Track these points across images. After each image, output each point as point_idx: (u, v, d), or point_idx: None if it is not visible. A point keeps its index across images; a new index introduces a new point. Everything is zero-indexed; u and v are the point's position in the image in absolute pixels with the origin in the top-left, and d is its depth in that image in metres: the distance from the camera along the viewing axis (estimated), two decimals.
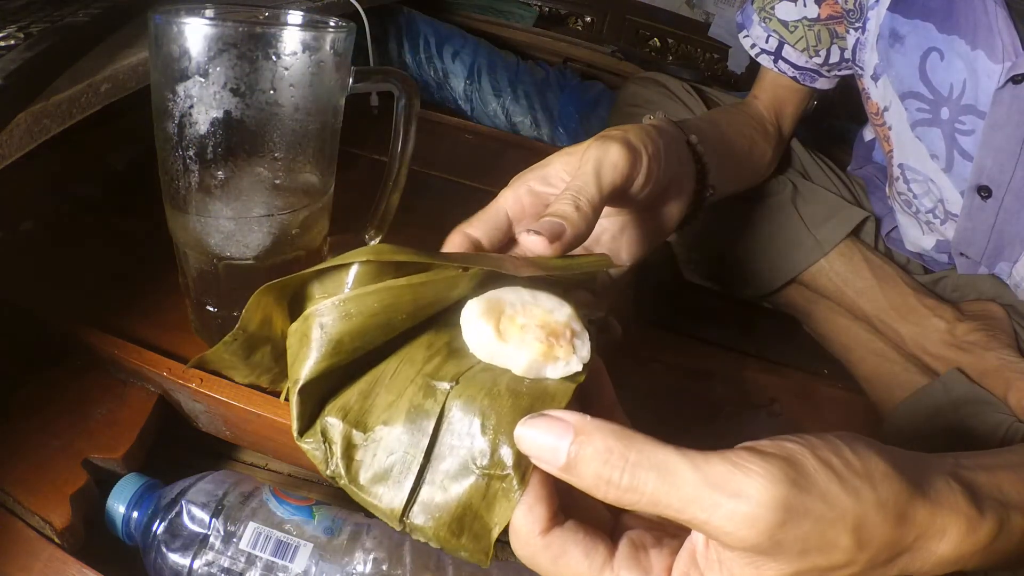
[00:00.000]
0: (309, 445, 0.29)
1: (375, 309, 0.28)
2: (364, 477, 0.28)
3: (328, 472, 0.28)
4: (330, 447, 0.28)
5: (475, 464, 0.27)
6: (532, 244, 0.32)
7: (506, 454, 0.26)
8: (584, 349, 0.28)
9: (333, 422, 0.28)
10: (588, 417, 0.25)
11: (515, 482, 0.26)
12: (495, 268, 0.30)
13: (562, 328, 0.28)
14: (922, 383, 0.69)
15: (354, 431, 0.28)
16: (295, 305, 0.30)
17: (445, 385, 0.28)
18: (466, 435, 0.27)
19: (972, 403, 0.63)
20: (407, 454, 0.27)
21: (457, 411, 0.27)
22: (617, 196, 0.38)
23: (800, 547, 0.24)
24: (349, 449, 0.28)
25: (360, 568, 0.42)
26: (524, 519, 0.26)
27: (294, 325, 0.29)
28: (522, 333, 0.28)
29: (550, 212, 0.33)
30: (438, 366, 0.29)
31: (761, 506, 0.23)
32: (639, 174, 0.38)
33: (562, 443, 0.24)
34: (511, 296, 0.29)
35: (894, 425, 0.68)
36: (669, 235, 0.46)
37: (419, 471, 0.27)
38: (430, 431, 0.27)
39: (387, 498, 0.27)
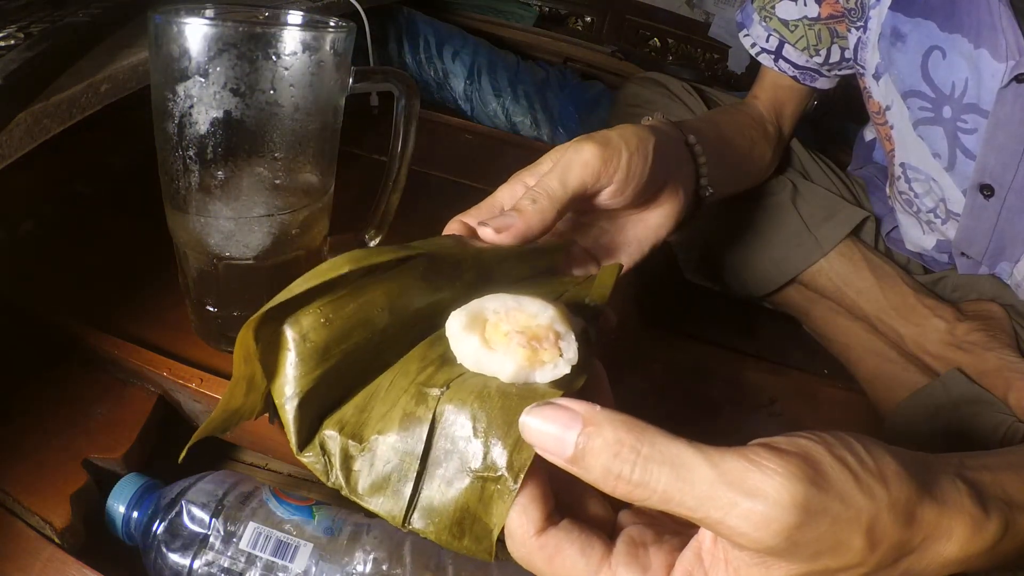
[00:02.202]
0: (309, 459, 0.29)
1: (351, 310, 0.29)
2: (363, 486, 0.28)
3: (330, 483, 0.28)
4: (329, 459, 0.28)
5: (469, 467, 0.26)
6: (483, 234, 0.35)
7: (498, 455, 0.26)
8: (571, 351, 0.27)
9: (331, 435, 0.29)
10: (597, 407, 0.24)
11: (509, 483, 0.26)
12: (454, 242, 0.33)
13: (545, 331, 0.27)
14: (922, 383, 0.69)
15: (350, 442, 0.28)
16: (266, 325, 0.29)
17: (436, 391, 0.28)
18: (459, 438, 0.27)
19: (972, 403, 0.63)
20: (403, 461, 0.27)
21: (449, 415, 0.27)
22: (590, 193, 0.39)
23: (814, 548, 0.23)
24: (347, 460, 0.28)
25: (360, 568, 0.42)
26: (518, 520, 0.25)
27: (279, 340, 0.29)
28: (506, 340, 0.27)
29: (512, 207, 0.37)
30: (431, 375, 0.29)
31: (779, 506, 0.22)
32: (616, 171, 0.39)
33: (569, 433, 0.23)
34: (494, 304, 0.29)
35: (894, 425, 0.68)
36: (668, 235, 0.47)
37: (416, 477, 0.27)
38: (424, 437, 0.27)
39: (387, 506, 0.27)
